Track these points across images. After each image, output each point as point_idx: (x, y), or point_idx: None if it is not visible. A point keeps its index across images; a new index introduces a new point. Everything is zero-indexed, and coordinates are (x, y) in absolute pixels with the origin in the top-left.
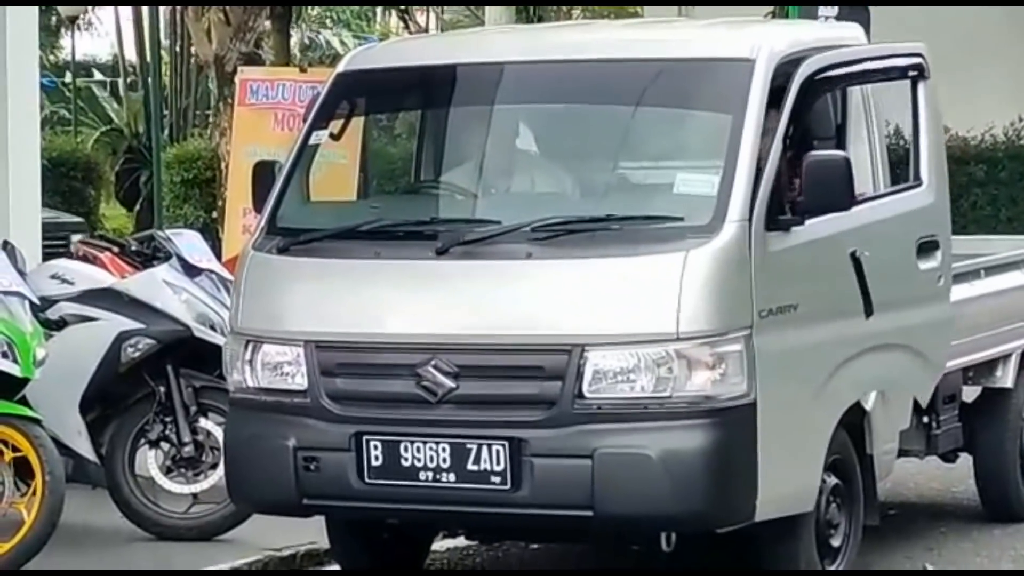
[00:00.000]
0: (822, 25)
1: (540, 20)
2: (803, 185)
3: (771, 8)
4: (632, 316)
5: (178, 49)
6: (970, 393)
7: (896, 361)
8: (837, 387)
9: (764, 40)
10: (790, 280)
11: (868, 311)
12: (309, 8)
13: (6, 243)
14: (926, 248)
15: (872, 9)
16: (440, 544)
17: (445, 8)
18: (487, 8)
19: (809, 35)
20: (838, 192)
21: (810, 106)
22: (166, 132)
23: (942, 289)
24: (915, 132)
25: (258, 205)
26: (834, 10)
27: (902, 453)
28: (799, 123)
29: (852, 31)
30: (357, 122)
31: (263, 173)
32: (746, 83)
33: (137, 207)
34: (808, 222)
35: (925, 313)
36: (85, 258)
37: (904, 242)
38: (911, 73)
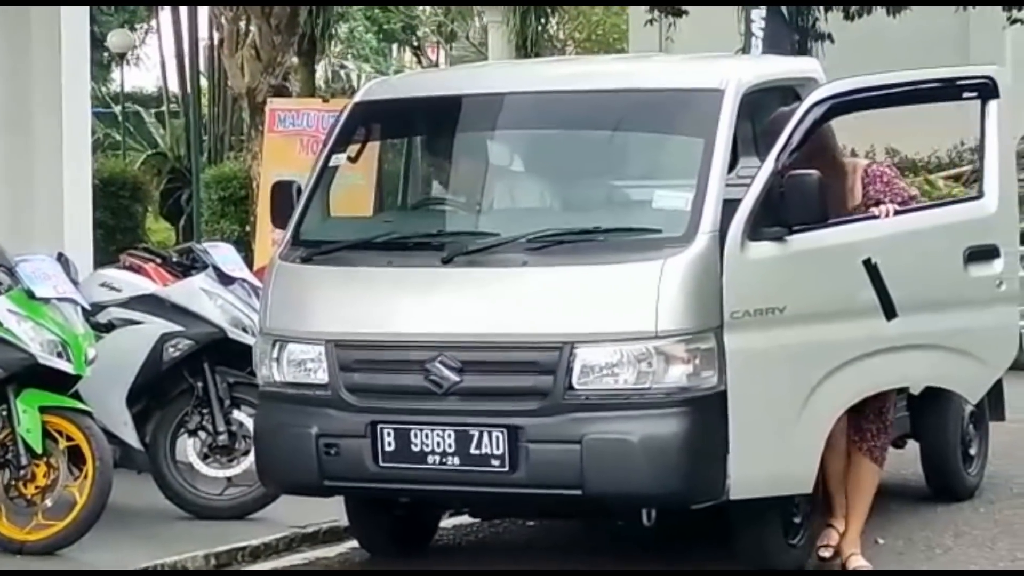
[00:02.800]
0: (784, 59)
1: (537, 55)
2: (784, 200)
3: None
4: (616, 317)
5: (215, 82)
6: None
7: (932, 360)
8: (845, 381)
9: (732, 73)
10: (776, 285)
11: (889, 314)
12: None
13: (61, 255)
14: (981, 256)
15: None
16: (447, 522)
17: (453, 45)
18: (490, 45)
19: (773, 68)
20: (813, 207)
21: (810, 130)
22: (205, 155)
23: (1003, 294)
24: (981, 148)
25: (276, 220)
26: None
27: None
28: (796, 145)
29: (810, 64)
30: (372, 146)
31: (281, 191)
32: (716, 110)
33: (181, 222)
34: (809, 234)
35: (978, 317)
36: (131, 268)
37: (948, 250)
38: (967, 95)
